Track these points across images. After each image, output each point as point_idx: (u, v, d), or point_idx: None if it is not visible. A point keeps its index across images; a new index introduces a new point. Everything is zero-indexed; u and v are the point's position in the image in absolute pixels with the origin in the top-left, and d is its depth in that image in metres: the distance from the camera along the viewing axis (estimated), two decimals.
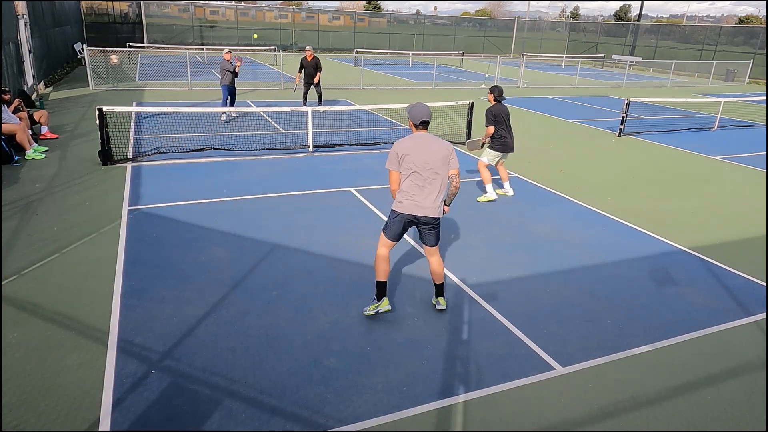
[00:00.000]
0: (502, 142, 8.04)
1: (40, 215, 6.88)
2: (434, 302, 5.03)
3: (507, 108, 8.04)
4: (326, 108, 13.38)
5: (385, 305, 4.81)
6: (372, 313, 4.81)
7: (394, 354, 4.33)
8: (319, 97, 14.82)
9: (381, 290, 4.82)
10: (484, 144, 8.19)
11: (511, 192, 8.45)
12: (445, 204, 4.82)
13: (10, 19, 13.62)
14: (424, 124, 4.69)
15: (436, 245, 4.86)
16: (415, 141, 4.60)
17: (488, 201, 8.10)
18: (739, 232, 7.47)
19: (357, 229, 6.85)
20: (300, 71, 14.32)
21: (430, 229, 4.74)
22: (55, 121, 12.07)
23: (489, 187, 8.14)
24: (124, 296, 5.00)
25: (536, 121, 15.50)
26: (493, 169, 8.39)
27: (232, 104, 13.23)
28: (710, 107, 19.07)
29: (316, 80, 14.33)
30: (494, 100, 7.90)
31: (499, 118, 7.87)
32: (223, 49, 14.05)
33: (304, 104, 14.63)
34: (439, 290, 5.01)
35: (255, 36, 10.12)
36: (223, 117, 13.17)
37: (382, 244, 4.81)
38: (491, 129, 7.96)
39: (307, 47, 14.24)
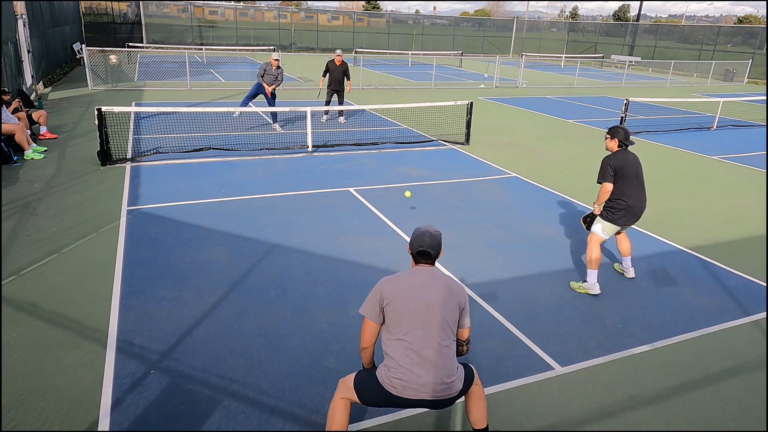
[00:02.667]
0: (624, 208, 5.41)
1: (38, 215, 6.87)
2: None
3: (636, 157, 5.53)
4: (344, 121, 13.38)
5: None
6: None
7: None
8: (340, 111, 13.76)
9: None
10: (593, 216, 5.75)
11: (631, 273, 5.90)
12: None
13: (9, 19, 13.60)
14: (425, 257, 3.18)
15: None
16: (409, 281, 3.09)
17: (585, 293, 5.50)
18: (738, 232, 7.47)
19: (356, 229, 6.85)
20: (324, 75, 13.11)
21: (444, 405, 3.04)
22: (53, 121, 12.06)
23: (593, 274, 5.46)
24: (123, 296, 4.99)
25: (536, 121, 15.50)
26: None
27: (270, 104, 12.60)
28: (709, 107, 19.08)
29: (348, 90, 13.19)
30: (617, 146, 5.52)
31: (622, 172, 5.39)
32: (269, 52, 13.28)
33: (326, 113, 13.76)
34: None
35: (408, 194, 9.00)
36: (235, 114, 12.82)
37: (341, 394, 3.16)
38: (608, 187, 5.40)
39: (337, 51, 12.95)
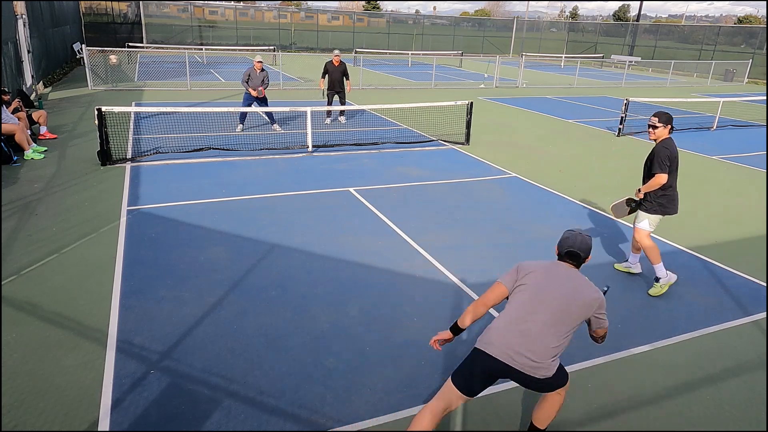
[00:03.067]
0: (670, 198, 5.44)
1: (39, 215, 6.87)
2: None
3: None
4: (345, 121, 13.30)
5: None
6: None
7: (394, 354, 4.33)
8: (341, 111, 13.66)
9: None
10: (635, 204, 5.68)
11: (638, 269, 5.95)
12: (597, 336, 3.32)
13: (9, 19, 13.60)
14: (572, 258, 3.21)
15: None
16: (546, 271, 3.18)
17: (668, 287, 5.54)
18: (738, 232, 7.47)
19: (356, 229, 6.85)
20: (323, 77, 13.04)
21: (528, 383, 3.11)
22: (53, 121, 12.06)
23: (660, 268, 5.47)
24: (123, 296, 4.99)
25: (536, 121, 15.50)
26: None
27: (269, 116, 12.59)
28: (709, 107, 19.08)
29: (348, 89, 13.13)
30: (669, 133, 5.39)
31: (674, 162, 5.33)
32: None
33: (329, 114, 13.69)
34: None
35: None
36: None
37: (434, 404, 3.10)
38: (663, 178, 5.25)
39: (335, 51, 12.92)
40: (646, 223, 5.57)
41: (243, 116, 12.26)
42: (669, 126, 5.33)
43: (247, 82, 11.72)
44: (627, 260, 6.05)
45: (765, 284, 5.87)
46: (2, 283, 5.14)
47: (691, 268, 6.24)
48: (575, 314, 3.05)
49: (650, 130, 5.40)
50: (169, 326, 4.55)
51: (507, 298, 3.22)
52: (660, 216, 5.54)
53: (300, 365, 4.13)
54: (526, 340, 2.99)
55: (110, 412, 3.56)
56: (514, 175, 9.73)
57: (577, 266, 3.23)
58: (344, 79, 12.94)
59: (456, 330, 3.34)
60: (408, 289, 5.41)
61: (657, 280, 5.50)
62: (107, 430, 3.42)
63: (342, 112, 13.78)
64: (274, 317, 4.77)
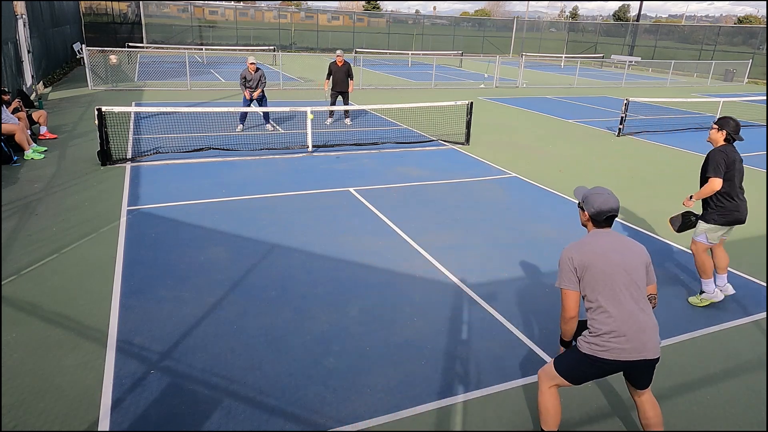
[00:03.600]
0: (730, 208, 5.08)
1: (39, 215, 6.87)
2: None
3: (739, 154, 5.11)
4: (351, 122, 13.19)
5: None
6: None
7: (394, 354, 4.33)
8: (346, 112, 13.49)
9: None
10: (695, 217, 5.30)
11: (730, 290, 5.35)
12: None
13: (9, 19, 13.60)
14: (611, 222, 3.18)
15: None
16: (602, 246, 3.10)
17: (710, 303, 5.28)
18: (738, 232, 7.44)
19: (356, 229, 6.85)
20: (328, 78, 12.89)
21: (648, 370, 3.14)
22: (54, 121, 12.06)
23: (709, 284, 5.23)
24: (123, 296, 4.99)
25: (536, 121, 15.50)
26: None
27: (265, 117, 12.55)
28: (709, 107, 19.08)
29: (351, 89, 12.98)
30: (725, 139, 5.04)
31: (731, 168, 4.98)
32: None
33: (331, 115, 13.65)
34: None
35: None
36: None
37: (548, 384, 3.26)
38: (717, 183, 4.94)
39: (338, 52, 12.83)
40: (703, 236, 5.19)
41: (243, 116, 12.25)
42: (724, 131, 5.03)
43: (244, 85, 11.72)
44: (707, 290, 5.27)
45: (765, 284, 5.87)
46: (2, 283, 5.14)
47: (691, 268, 6.23)
48: (642, 273, 3.09)
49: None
50: (169, 326, 4.55)
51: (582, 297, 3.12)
52: (720, 227, 5.13)
53: (300, 365, 4.13)
54: (641, 325, 2.97)
55: (110, 412, 3.56)
56: (514, 175, 9.73)
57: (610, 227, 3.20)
58: (348, 79, 12.89)
59: (567, 344, 3.34)
60: (408, 289, 5.41)
61: (701, 292, 5.30)
62: (107, 430, 3.42)
63: (347, 114, 13.67)
64: (274, 317, 4.77)
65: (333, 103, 13.16)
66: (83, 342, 4.29)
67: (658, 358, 3.04)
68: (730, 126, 5.01)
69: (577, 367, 3.12)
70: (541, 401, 3.27)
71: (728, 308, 5.32)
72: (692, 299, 5.38)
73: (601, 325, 3.00)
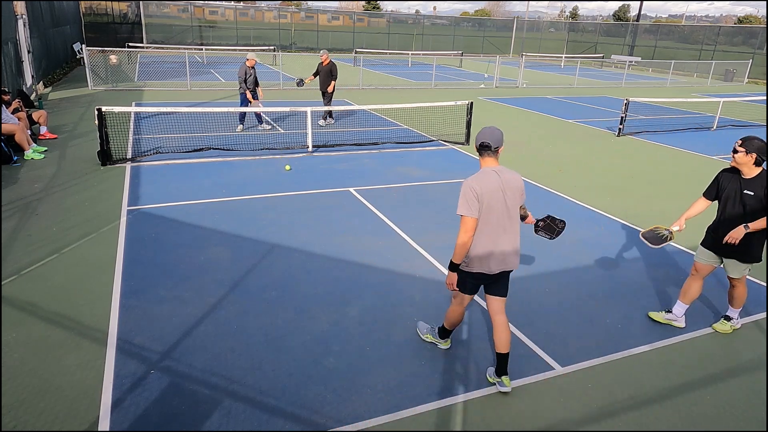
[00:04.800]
0: (712, 228, 4.81)
1: (39, 215, 6.87)
2: (495, 381, 3.96)
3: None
4: (327, 123, 13.04)
5: (446, 344, 4.41)
6: (428, 340, 4.48)
7: (394, 354, 4.33)
8: (329, 113, 13.32)
9: (447, 334, 4.37)
10: (665, 235, 4.97)
11: (682, 323, 4.94)
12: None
13: (9, 20, 13.60)
14: (486, 149, 3.75)
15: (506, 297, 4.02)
16: (494, 180, 3.69)
17: (668, 323, 4.95)
18: None
19: (356, 229, 6.85)
20: (315, 75, 12.89)
21: (507, 277, 3.98)
22: (54, 121, 12.06)
23: (681, 307, 4.92)
24: (124, 296, 4.99)
25: (535, 121, 15.50)
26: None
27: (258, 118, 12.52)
28: (709, 107, 19.08)
29: (330, 89, 12.70)
30: (755, 164, 4.41)
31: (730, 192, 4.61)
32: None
33: (330, 116, 13.56)
34: (504, 364, 3.93)
35: (287, 168, 8.94)
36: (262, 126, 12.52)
37: (458, 303, 4.13)
38: (701, 205, 4.91)
39: (322, 51, 12.70)
40: (747, 270, 4.69)
41: (242, 116, 12.25)
42: (755, 156, 4.37)
43: (245, 82, 11.62)
44: (670, 310, 5.01)
45: (765, 284, 5.86)
46: (2, 283, 5.14)
47: (690, 267, 6.22)
48: (518, 201, 3.84)
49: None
50: (170, 326, 4.55)
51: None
52: (707, 252, 4.82)
53: (300, 365, 4.13)
54: (510, 247, 3.82)
55: (110, 412, 3.57)
56: None
57: (496, 157, 3.79)
58: (330, 78, 12.60)
59: (456, 267, 3.88)
60: (408, 289, 5.41)
61: (728, 318, 4.93)
62: (107, 430, 3.42)
63: (326, 114, 13.35)
64: (275, 317, 4.77)
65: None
66: (83, 342, 4.29)
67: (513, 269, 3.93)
68: (754, 146, 4.35)
69: (462, 280, 3.93)
70: (449, 310, 4.23)
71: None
72: (653, 314, 5.02)
73: (477, 246, 3.80)
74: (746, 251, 4.54)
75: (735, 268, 4.68)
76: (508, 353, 3.91)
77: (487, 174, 3.73)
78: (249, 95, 11.69)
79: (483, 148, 3.76)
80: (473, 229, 3.75)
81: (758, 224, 4.36)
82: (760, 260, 4.64)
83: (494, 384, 3.96)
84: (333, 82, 12.71)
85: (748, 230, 4.37)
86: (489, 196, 3.68)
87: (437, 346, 4.45)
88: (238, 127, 12.11)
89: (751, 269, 4.70)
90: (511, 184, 3.76)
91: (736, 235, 4.40)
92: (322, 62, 12.63)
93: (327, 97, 12.90)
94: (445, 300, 5.19)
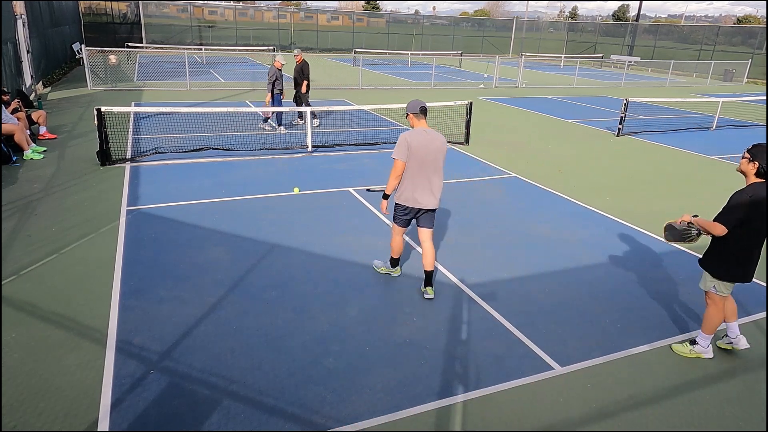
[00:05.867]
0: (738, 262, 4.17)
1: (38, 215, 6.87)
2: (423, 290, 5.27)
3: None
4: (301, 122, 12.77)
5: (397, 272, 5.59)
6: (383, 272, 5.60)
7: (394, 354, 4.33)
8: (301, 114, 12.98)
9: (396, 262, 5.56)
10: (690, 232, 4.41)
11: (743, 343, 4.47)
12: None
13: (8, 19, 13.59)
14: (425, 113, 4.98)
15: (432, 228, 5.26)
16: (424, 137, 4.87)
17: (696, 357, 4.48)
18: None
19: (356, 229, 6.85)
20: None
21: (431, 214, 5.18)
22: (53, 121, 12.06)
23: (706, 339, 4.46)
24: (123, 297, 4.99)
25: (535, 121, 15.51)
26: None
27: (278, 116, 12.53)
28: (709, 107, 19.09)
29: (303, 89, 12.54)
30: (756, 174, 4.05)
31: (753, 216, 4.02)
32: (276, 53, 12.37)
33: (316, 116, 13.39)
34: (429, 279, 5.24)
35: (296, 190, 8.91)
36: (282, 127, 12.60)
37: (397, 233, 5.34)
38: (719, 230, 4.09)
39: (295, 51, 12.60)
40: (712, 282, 4.35)
41: (279, 117, 12.39)
42: (756, 163, 4.04)
43: (273, 83, 11.78)
44: (726, 336, 4.58)
45: (765, 284, 5.87)
46: (2, 283, 5.13)
47: (691, 268, 6.23)
48: (441, 157, 4.97)
49: None
50: (169, 326, 4.55)
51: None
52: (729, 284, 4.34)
53: (300, 365, 4.13)
54: (433, 189, 5.00)
55: (110, 412, 3.56)
56: (514, 175, 9.74)
57: (425, 119, 5.00)
58: (303, 78, 12.47)
59: (387, 197, 5.10)
60: (408, 289, 5.41)
61: (693, 342, 4.54)
62: (107, 430, 3.42)
63: (301, 116, 13.15)
64: (274, 317, 4.77)
65: (295, 101, 12.95)
66: (83, 342, 4.29)
67: (436, 209, 5.11)
68: (759, 154, 4.00)
69: (397, 214, 5.17)
70: (393, 243, 5.40)
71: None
72: (677, 346, 4.59)
73: (405, 187, 4.97)
74: (705, 256, 4.35)
75: (702, 277, 4.41)
76: (432, 270, 5.20)
77: (419, 132, 4.89)
78: (269, 97, 11.88)
79: (422, 112, 4.95)
80: (402, 170, 4.90)
81: (703, 222, 4.24)
82: (717, 276, 4.23)
83: (423, 294, 5.20)
84: (305, 82, 12.53)
85: (693, 220, 4.31)
86: (416, 148, 4.82)
87: (429, 346, 4.45)
88: (280, 128, 12.28)
89: (716, 286, 4.26)
90: (435, 143, 4.89)
91: (684, 217, 4.38)
92: (296, 61, 12.54)
93: (298, 97, 12.75)
94: (445, 300, 5.19)
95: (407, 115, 5.02)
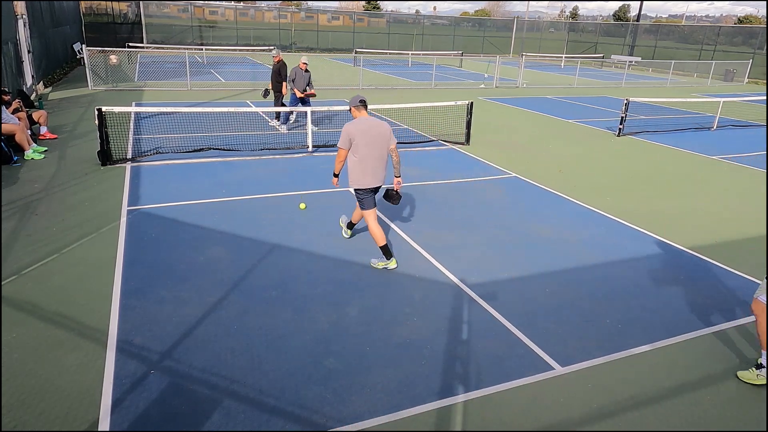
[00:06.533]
0: None
1: (39, 215, 6.87)
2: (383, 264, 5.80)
3: None
4: (278, 124, 12.66)
5: (393, 263, 5.79)
6: (380, 267, 5.79)
7: (394, 354, 4.33)
8: (279, 114, 12.64)
9: (387, 251, 5.79)
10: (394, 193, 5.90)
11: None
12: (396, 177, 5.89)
13: (9, 20, 13.61)
14: (365, 104, 5.61)
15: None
16: (366, 125, 5.49)
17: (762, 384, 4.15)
18: (738, 232, 7.47)
19: (356, 230, 6.84)
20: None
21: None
22: (54, 121, 12.06)
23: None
24: (124, 296, 4.99)
25: (536, 121, 15.50)
26: None
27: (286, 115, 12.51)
28: (709, 107, 19.08)
29: (284, 91, 12.36)
30: None
31: None
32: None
33: (295, 116, 13.19)
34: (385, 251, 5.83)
35: (302, 206, 8.78)
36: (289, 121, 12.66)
37: (371, 219, 5.75)
38: None
39: (274, 51, 12.38)
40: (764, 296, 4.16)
41: (286, 117, 12.41)
42: None
43: (293, 81, 11.91)
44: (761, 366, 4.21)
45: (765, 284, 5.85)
46: (3, 283, 5.14)
47: (691, 268, 6.24)
48: (387, 141, 5.58)
49: None
50: (170, 326, 4.55)
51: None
52: None
53: (300, 365, 4.13)
54: (378, 170, 5.61)
55: (110, 412, 3.57)
56: (514, 175, 9.73)
57: (366, 109, 5.59)
58: (279, 79, 12.32)
59: (335, 175, 5.82)
60: (408, 289, 5.41)
61: (761, 365, 4.20)
62: (107, 430, 3.42)
63: (278, 116, 12.86)
64: (275, 317, 4.77)
65: (275, 102, 12.69)
66: (83, 342, 4.29)
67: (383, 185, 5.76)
68: None
69: (361, 197, 5.68)
70: (374, 235, 5.75)
71: (728, 308, 5.33)
72: (743, 373, 4.27)
73: (358, 170, 5.54)
74: None
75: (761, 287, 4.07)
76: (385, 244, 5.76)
77: (361, 121, 5.50)
78: (297, 92, 11.96)
79: (362, 104, 5.57)
80: (344, 156, 5.61)
81: None
82: None
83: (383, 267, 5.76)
84: (284, 83, 12.38)
85: None
86: (360, 135, 5.41)
87: (429, 346, 4.45)
88: (282, 128, 12.41)
89: None
90: (376, 129, 5.48)
91: None
92: (274, 62, 12.42)
93: (273, 97, 12.63)
94: (445, 300, 5.19)
95: (350, 109, 5.63)
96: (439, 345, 4.47)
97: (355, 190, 5.68)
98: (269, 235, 6.55)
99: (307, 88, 12.01)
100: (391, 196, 5.97)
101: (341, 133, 5.47)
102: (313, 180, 8.86)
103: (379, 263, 5.78)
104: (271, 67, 12.58)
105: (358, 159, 5.49)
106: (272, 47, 32.15)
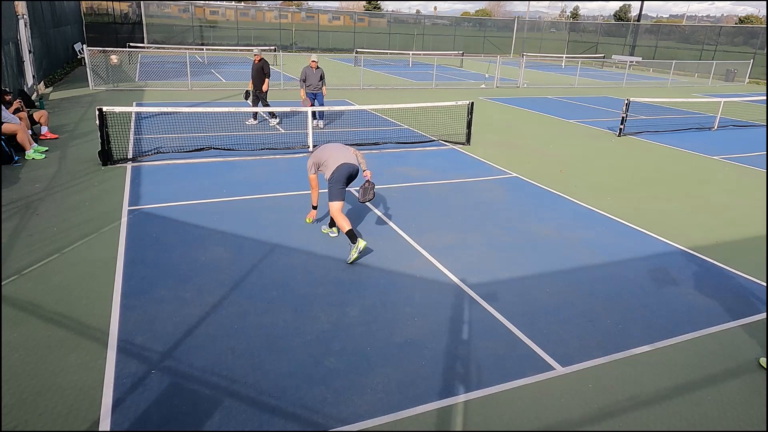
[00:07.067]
0: None
1: (40, 215, 6.88)
2: (356, 253, 5.92)
3: None
4: (255, 122, 12.76)
5: (362, 243, 5.91)
6: (355, 256, 5.87)
7: (394, 354, 4.33)
8: (255, 114, 12.88)
9: (353, 235, 5.97)
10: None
11: None
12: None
13: (9, 19, 13.62)
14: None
15: None
16: (331, 150, 6.20)
17: None
18: (738, 232, 7.46)
19: (357, 229, 6.85)
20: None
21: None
22: (55, 121, 12.08)
23: None
24: (124, 296, 5.00)
25: (536, 121, 15.50)
26: None
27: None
28: (710, 107, 19.07)
29: (264, 88, 12.50)
30: None
31: None
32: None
33: (275, 117, 13.29)
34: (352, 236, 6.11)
35: (309, 220, 8.74)
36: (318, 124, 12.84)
37: (337, 208, 6.11)
38: None
39: (255, 50, 12.55)
40: None
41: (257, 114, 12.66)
42: None
43: (304, 81, 12.10)
44: None
45: (765, 284, 5.86)
46: (3, 283, 5.14)
47: (691, 268, 6.24)
48: (349, 149, 6.25)
49: None
50: (170, 326, 4.56)
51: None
52: None
53: (301, 365, 4.14)
54: (350, 158, 6.14)
55: (111, 412, 3.57)
56: (515, 175, 9.73)
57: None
58: (263, 77, 12.43)
59: (314, 207, 6.73)
60: (408, 289, 5.41)
61: None
62: (108, 430, 3.43)
63: (254, 117, 13.13)
64: (275, 317, 4.78)
65: (254, 102, 12.75)
66: (84, 342, 4.30)
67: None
68: None
69: (332, 186, 6.03)
70: (338, 223, 6.00)
71: (728, 308, 5.33)
72: None
73: (331, 166, 6.03)
74: None
75: None
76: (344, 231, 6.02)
77: (324, 148, 6.28)
78: (303, 93, 12.19)
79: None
80: (315, 182, 6.43)
81: None
82: None
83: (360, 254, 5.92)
84: (267, 80, 12.52)
85: None
86: (321, 152, 6.22)
87: (429, 346, 4.45)
88: (272, 121, 12.78)
89: None
90: (336, 145, 6.29)
91: None
92: (255, 61, 12.48)
93: (262, 97, 12.69)
94: (445, 300, 5.19)
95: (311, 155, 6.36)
96: (440, 345, 4.48)
97: (328, 180, 6.04)
98: (270, 235, 6.56)
99: (320, 84, 12.28)
100: (366, 188, 6.12)
101: (306, 167, 6.34)
102: None
103: (352, 252, 5.84)
104: (251, 65, 12.65)
105: (327, 164, 6.10)
106: (272, 47, 32.21)
